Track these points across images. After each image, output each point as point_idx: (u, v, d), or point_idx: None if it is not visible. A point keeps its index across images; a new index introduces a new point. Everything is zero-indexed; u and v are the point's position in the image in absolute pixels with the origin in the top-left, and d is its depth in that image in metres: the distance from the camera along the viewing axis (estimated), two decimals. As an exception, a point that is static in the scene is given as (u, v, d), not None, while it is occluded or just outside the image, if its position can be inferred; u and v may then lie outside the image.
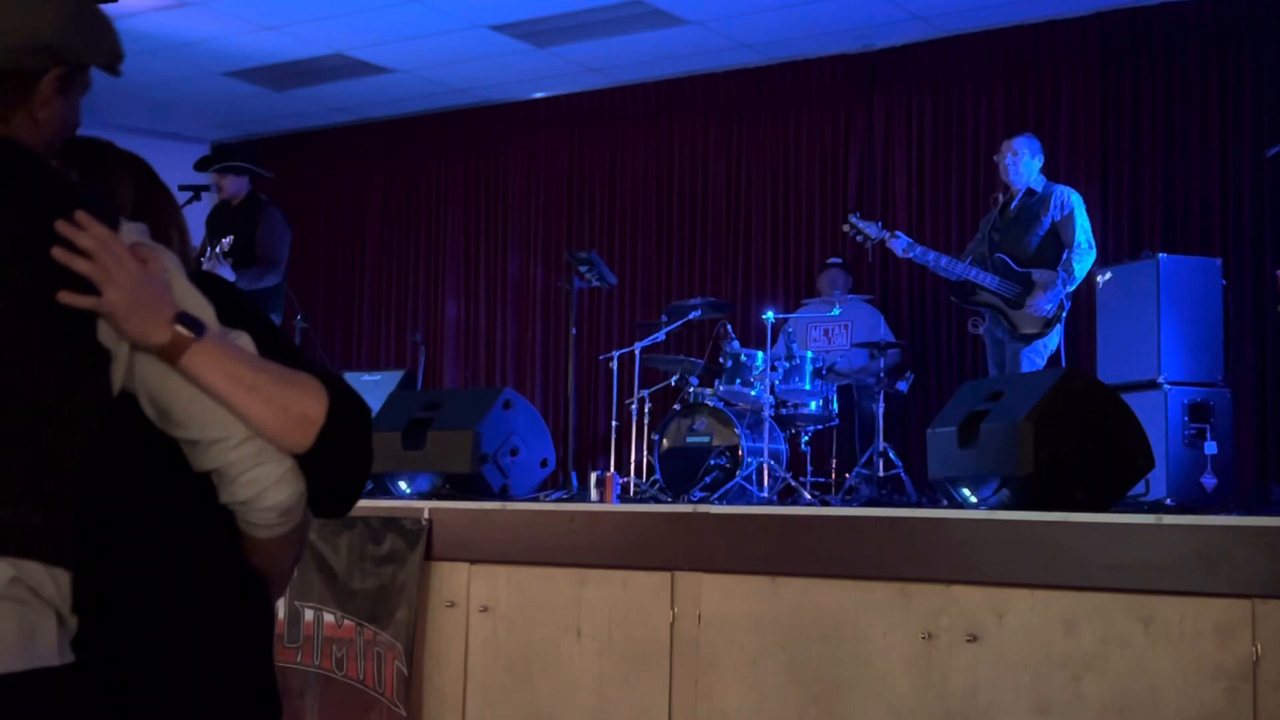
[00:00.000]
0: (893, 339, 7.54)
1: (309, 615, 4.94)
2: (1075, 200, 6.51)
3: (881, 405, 6.66)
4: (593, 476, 6.06)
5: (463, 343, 10.11)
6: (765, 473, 6.42)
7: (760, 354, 6.78)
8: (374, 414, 6.75)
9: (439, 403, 5.62)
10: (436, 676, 4.71)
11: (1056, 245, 6.44)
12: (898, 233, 6.60)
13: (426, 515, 4.79)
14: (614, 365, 7.15)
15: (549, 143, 9.86)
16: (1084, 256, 6.39)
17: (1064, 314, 6.38)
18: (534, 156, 9.93)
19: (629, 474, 6.98)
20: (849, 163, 8.71)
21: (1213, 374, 6.18)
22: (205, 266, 6.90)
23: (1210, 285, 6.28)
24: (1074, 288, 6.40)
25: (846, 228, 6.75)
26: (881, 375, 6.82)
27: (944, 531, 3.92)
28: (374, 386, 8.17)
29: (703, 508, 4.62)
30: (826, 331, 7.66)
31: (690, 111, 9.31)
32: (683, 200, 9.32)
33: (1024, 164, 6.54)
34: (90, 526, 1.67)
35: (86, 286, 1.58)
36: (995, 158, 6.72)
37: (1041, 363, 6.35)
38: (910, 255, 6.48)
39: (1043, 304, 6.31)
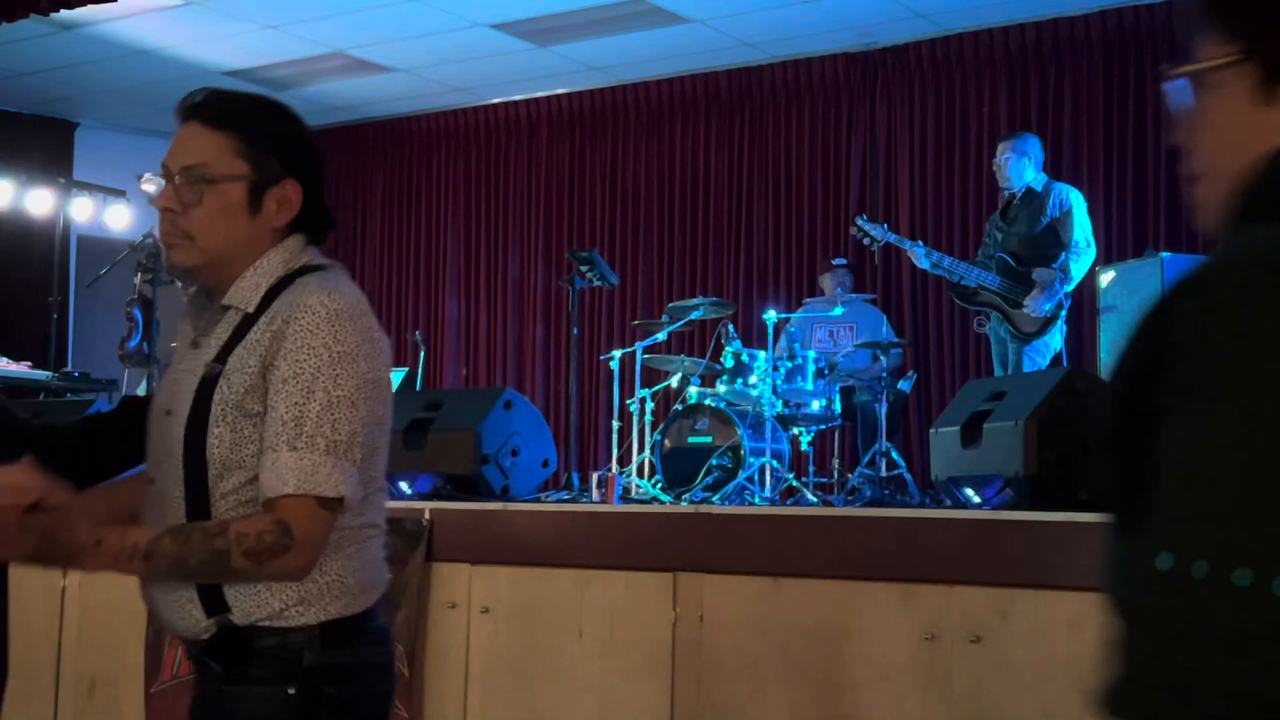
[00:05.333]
0: (895, 339, 7.51)
1: (309, 617, 4.92)
2: (1074, 198, 6.48)
3: (884, 405, 6.64)
4: (594, 477, 6.04)
5: (463, 343, 10.10)
6: (767, 473, 6.40)
7: (762, 354, 6.76)
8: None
9: (440, 403, 5.59)
10: (438, 678, 4.69)
11: (1057, 244, 6.42)
12: (919, 241, 6.57)
13: (427, 516, 4.77)
14: (615, 365, 7.13)
15: (550, 142, 9.85)
16: (1081, 256, 6.36)
17: (1063, 313, 6.36)
18: (535, 156, 9.91)
19: (630, 474, 6.96)
20: (851, 161, 8.69)
21: (1216, 373, 6.15)
22: None
23: (1214, 284, 6.25)
24: (1071, 288, 6.37)
25: (854, 230, 6.74)
26: (884, 375, 6.80)
27: (947, 532, 3.90)
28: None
29: (705, 508, 4.60)
30: (832, 333, 7.64)
31: (692, 110, 9.29)
32: (684, 199, 9.30)
33: (1017, 164, 6.52)
34: None
35: None
36: (994, 160, 6.71)
37: (1044, 362, 6.33)
38: (933, 260, 6.45)
39: (1041, 304, 6.29)
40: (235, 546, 1.98)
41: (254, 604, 2.06)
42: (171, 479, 2.10)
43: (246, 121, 2.13)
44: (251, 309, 2.10)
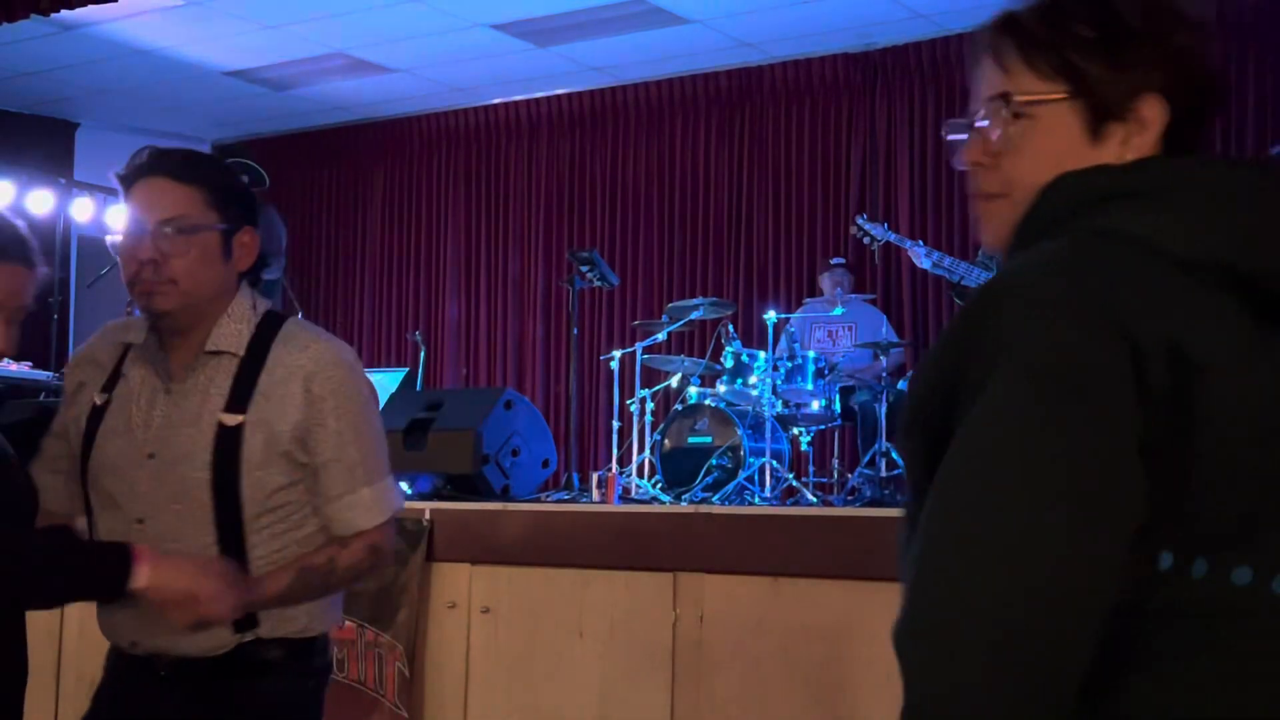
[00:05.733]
0: (895, 339, 7.51)
1: (309, 616, 4.92)
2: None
3: (884, 405, 6.64)
4: (594, 477, 6.04)
5: (463, 343, 10.10)
6: (767, 473, 6.40)
7: (762, 354, 6.76)
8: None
9: (440, 403, 5.60)
10: (438, 678, 4.69)
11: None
12: (919, 241, 6.57)
13: (428, 516, 4.77)
14: (615, 365, 7.13)
15: (550, 142, 9.84)
16: None
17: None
18: (535, 156, 9.91)
19: (630, 474, 6.96)
20: (850, 161, 8.69)
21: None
22: None
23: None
24: None
25: (854, 229, 6.73)
26: (884, 375, 6.80)
27: (947, 532, 3.91)
28: (375, 386, 8.15)
29: (705, 508, 4.60)
30: (831, 333, 7.64)
31: (692, 111, 9.29)
32: (684, 199, 9.30)
33: None
34: None
35: None
36: None
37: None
38: (933, 260, 6.45)
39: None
40: (346, 578, 2.34)
41: (280, 619, 2.29)
42: (191, 520, 2.26)
43: (207, 175, 2.31)
44: (241, 352, 2.30)
